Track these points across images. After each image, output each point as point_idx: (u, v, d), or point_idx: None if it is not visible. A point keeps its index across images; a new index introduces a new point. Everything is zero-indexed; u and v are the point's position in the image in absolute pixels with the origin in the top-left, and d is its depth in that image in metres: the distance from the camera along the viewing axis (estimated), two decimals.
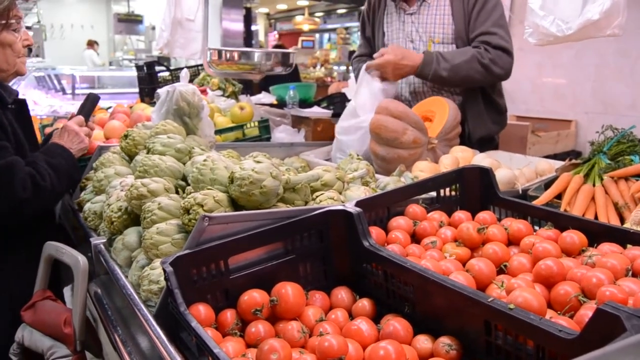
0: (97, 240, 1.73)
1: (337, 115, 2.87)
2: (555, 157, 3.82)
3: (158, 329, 1.17)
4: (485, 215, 1.51)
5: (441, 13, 2.61)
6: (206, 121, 2.22)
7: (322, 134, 3.03)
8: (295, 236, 1.32)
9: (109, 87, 10.10)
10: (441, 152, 2.30)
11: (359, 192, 1.66)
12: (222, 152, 1.84)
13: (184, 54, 4.56)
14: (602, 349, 0.71)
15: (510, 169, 2.07)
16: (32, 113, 2.17)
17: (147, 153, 1.82)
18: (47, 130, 3.12)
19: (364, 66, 2.57)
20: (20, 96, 2.05)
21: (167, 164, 1.70)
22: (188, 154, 1.83)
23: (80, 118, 2.19)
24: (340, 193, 1.66)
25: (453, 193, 1.65)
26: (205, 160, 1.52)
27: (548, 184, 1.92)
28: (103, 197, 1.85)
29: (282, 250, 1.31)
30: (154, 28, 13.51)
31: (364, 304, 1.26)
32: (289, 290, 1.20)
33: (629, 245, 1.26)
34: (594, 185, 1.79)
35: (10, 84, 2.08)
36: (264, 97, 4.17)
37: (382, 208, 1.53)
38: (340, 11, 15.60)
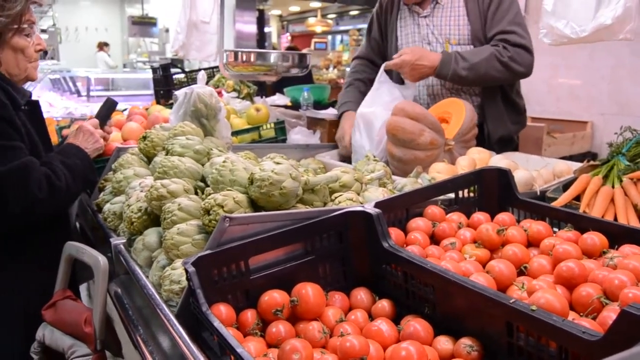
0: (117, 241, 1.75)
1: None
2: (570, 158, 3.79)
3: (180, 329, 1.18)
4: (504, 216, 1.50)
5: (456, 14, 2.61)
6: (223, 123, 2.24)
7: None
8: (314, 237, 1.32)
9: (123, 89, 10.17)
10: (458, 153, 2.30)
11: (377, 194, 1.66)
12: (239, 153, 1.85)
13: (199, 56, 4.59)
14: (628, 350, 0.71)
15: (527, 170, 2.06)
16: (47, 115, 2.19)
17: (166, 154, 1.84)
18: (65, 132, 3.15)
19: (382, 66, 2.57)
20: (35, 98, 2.07)
21: (186, 165, 1.71)
22: (206, 155, 1.84)
23: (95, 121, 2.21)
24: (359, 194, 1.66)
25: (471, 194, 1.65)
26: (224, 162, 1.53)
27: (566, 186, 1.91)
28: (122, 197, 1.87)
29: (301, 251, 1.32)
30: (167, 30, 13.58)
31: (384, 304, 1.26)
32: (309, 291, 1.21)
33: None
34: (613, 186, 1.77)
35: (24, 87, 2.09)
36: (278, 98, 4.19)
37: (401, 209, 1.53)
38: (352, 13, 15.59)
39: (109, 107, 2.36)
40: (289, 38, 17.46)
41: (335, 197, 1.59)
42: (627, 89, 4.42)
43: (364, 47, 3.09)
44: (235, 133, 2.74)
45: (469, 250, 1.38)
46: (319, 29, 15.64)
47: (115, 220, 1.86)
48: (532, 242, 1.41)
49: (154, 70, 4.30)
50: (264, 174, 1.39)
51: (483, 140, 2.58)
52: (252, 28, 6.71)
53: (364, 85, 2.93)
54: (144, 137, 2.04)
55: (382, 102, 2.45)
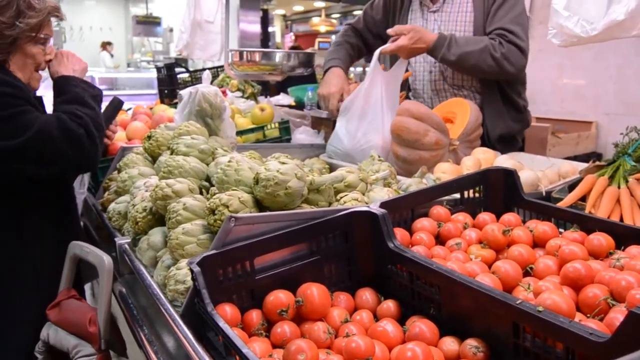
0: (122, 240, 1.75)
1: None
2: (575, 158, 3.79)
3: (185, 329, 1.18)
4: (510, 217, 1.50)
5: (464, 10, 2.61)
6: (228, 122, 2.24)
7: None
8: (320, 237, 1.32)
9: (126, 89, 10.19)
10: (463, 153, 2.29)
11: (382, 194, 1.66)
12: (244, 153, 1.85)
13: (204, 56, 4.59)
14: (636, 352, 0.71)
15: (532, 170, 2.05)
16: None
17: (171, 154, 1.84)
18: None
19: (376, 52, 2.51)
20: (40, 95, 2.06)
21: (191, 164, 1.71)
22: (211, 155, 1.84)
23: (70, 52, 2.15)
24: (364, 194, 1.66)
25: (477, 195, 1.65)
26: (229, 161, 1.53)
27: (572, 186, 1.90)
28: (127, 197, 1.87)
29: (306, 251, 1.31)
30: (171, 30, 13.58)
31: (389, 305, 1.26)
32: (314, 291, 1.20)
33: None
34: (619, 187, 1.77)
35: None
36: (283, 98, 4.18)
37: (406, 209, 1.52)
38: (356, 12, 15.56)
39: (115, 107, 2.36)
40: (293, 38, 17.43)
41: (341, 197, 1.59)
42: (633, 89, 4.39)
43: (360, 19, 3.06)
44: (239, 133, 2.74)
45: (475, 250, 1.37)
46: (322, 28, 15.62)
47: (120, 220, 1.86)
48: (537, 243, 1.40)
49: (158, 69, 4.30)
50: (269, 174, 1.38)
51: (482, 138, 2.57)
52: (256, 27, 6.71)
53: (352, 49, 3.00)
54: (149, 137, 2.04)
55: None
